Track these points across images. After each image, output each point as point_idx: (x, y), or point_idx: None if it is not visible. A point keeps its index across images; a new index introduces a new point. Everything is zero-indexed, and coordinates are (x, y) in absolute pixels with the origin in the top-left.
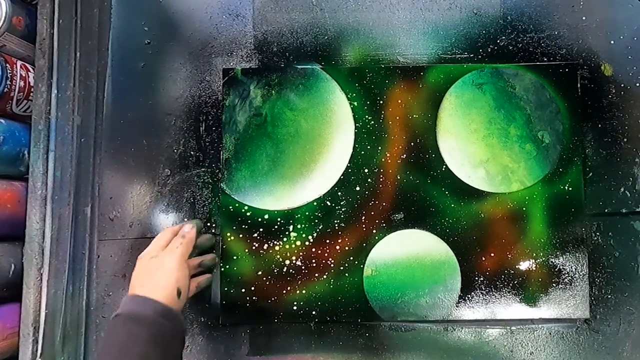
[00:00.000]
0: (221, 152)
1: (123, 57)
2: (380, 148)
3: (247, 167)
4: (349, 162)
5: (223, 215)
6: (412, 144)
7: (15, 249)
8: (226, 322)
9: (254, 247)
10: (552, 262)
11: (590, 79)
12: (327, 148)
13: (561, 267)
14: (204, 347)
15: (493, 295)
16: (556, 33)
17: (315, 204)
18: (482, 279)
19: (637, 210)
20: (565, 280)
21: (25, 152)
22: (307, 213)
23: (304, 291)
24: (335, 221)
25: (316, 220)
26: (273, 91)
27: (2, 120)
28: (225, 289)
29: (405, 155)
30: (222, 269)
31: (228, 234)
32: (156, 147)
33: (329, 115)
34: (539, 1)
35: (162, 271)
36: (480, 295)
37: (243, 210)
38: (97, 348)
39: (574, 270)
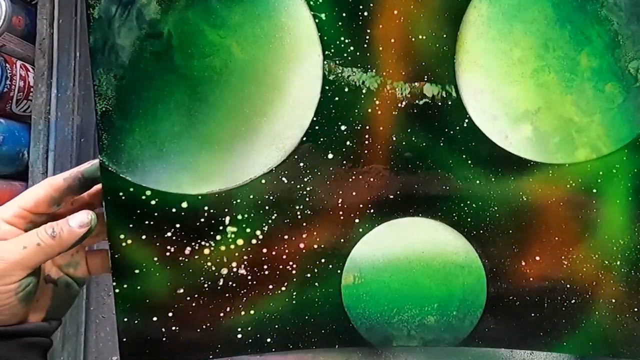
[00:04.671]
0: (94, 100)
1: None
2: (364, 91)
3: (144, 126)
4: (315, 115)
5: (109, 206)
6: (416, 83)
7: None
8: None
9: (168, 254)
10: (637, 279)
11: None
12: (278, 92)
13: None
14: None
15: (533, 318)
16: None
17: (263, 181)
18: (519, 292)
19: None
20: None
21: (25, 152)
22: (251, 196)
23: (251, 312)
24: (297, 207)
25: (267, 207)
26: None
27: (2, 120)
28: (125, 319)
29: (404, 103)
30: (117, 291)
31: (121, 237)
32: None
33: (280, 36)
34: None
35: None
36: (514, 317)
37: (144, 197)
38: None
39: None
